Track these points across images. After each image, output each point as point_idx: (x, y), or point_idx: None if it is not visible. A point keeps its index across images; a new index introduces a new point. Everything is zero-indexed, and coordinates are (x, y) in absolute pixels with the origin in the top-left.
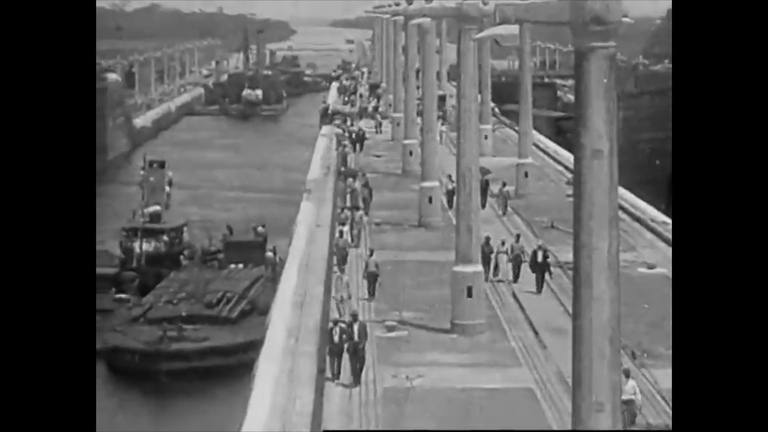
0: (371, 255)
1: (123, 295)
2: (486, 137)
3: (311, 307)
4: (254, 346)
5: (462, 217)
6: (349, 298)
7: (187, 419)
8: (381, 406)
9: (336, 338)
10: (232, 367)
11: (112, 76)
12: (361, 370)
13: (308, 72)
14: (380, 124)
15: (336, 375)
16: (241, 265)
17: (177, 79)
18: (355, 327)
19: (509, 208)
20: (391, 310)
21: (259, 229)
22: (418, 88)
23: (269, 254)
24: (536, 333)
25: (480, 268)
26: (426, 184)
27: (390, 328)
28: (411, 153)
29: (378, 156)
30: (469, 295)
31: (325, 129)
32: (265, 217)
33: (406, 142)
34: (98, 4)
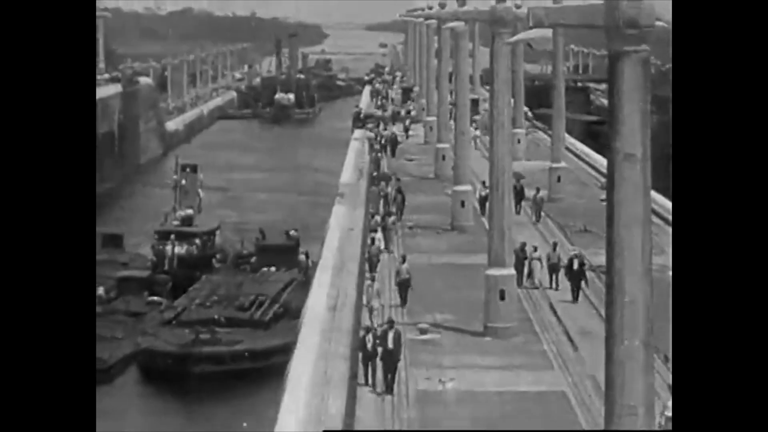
0: (403, 262)
1: (155, 298)
2: (519, 141)
3: (344, 310)
4: (287, 350)
5: (495, 220)
6: (381, 306)
7: (220, 422)
8: (413, 409)
9: (369, 345)
10: (265, 371)
11: (145, 80)
12: (393, 378)
13: (341, 76)
14: (408, 129)
15: (370, 382)
16: (273, 269)
17: (209, 82)
18: (390, 334)
19: (543, 214)
20: (423, 313)
21: (292, 232)
22: (451, 92)
23: (302, 257)
24: (569, 336)
25: (512, 271)
26: (459, 187)
27: (423, 331)
28: (444, 157)
29: (411, 160)
30: (502, 298)
31: (358, 133)
32: (298, 220)
33: (439, 145)
34: (132, 7)
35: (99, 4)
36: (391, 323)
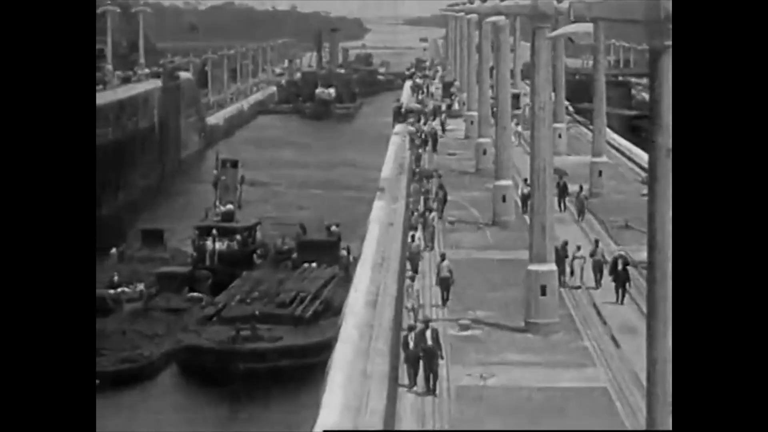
0: (443, 260)
1: (196, 294)
2: (560, 136)
3: (384, 307)
4: (328, 347)
5: (536, 215)
6: (421, 307)
7: (260, 419)
8: (454, 405)
9: (411, 345)
10: (306, 367)
11: (185, 75)
12: (435, 378)
13: (382, 70)
14: (444, 123)
15: (412, 383)
16: (314, 265)
17: (250, 77)
18: (428, 333)
19: (587, 212)
20: (464, 309)
21: (333, 228)
22: (491, 86)
23: (343, 253)
24: (611, 333)
25: (554, 267)
26: (500, 182)
27: (464, 327)
28: (485, 151)
29: (452, 154)
30: (543, 294)
31: (399, 127)
32: (338, 215)
33: (480, 140)
34: (172, 2)
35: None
36: (427, 322)
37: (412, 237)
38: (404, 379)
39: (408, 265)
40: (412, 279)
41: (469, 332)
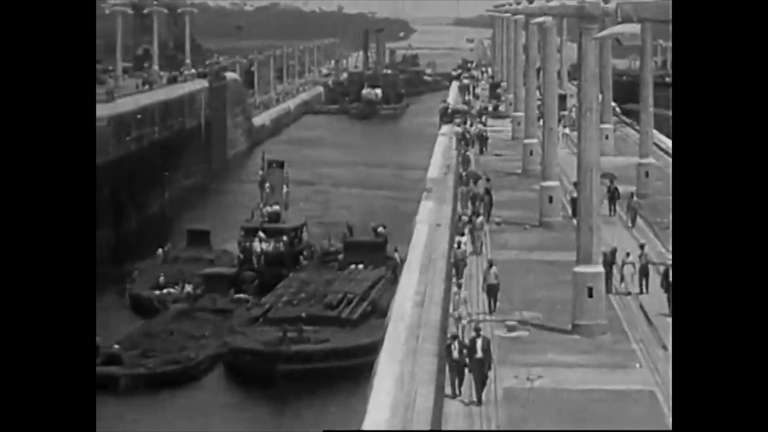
0: (491, 266)
1: (242, 296)
2: (607, 137)
3: (431, 307)
4: (375, 348)
5: (583, 217)
6: (468, 316)
7: (307, 420)
8: (501, 407)
9: (455, 354)
10: (353, 369)
11: (232, 75)
12: (483, 387)
13: (428, 71)
14: (485, 124)
15: (456, 392)
16: (361, 266)
17: (296, 78)
18: (478, 342)
19: (639, 219)
20: (511, 311)
21: (380, 229)
22: (538, 87)
23: (394, 255)
24: (658, 335)
25: (601, 268)
26: (546, 183)
27: (511, 328)
28: (531, 152)
29: (498, 155)
30: (590, 295)
31: (445, 128)
32: (385, 216)
33: (527, 141)
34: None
35: (185, 0)
36: (478, 331)
37: (458, 243)
38: (449, 389)
39: (453, 271)
40: (459, 287)
41: (515, 333)
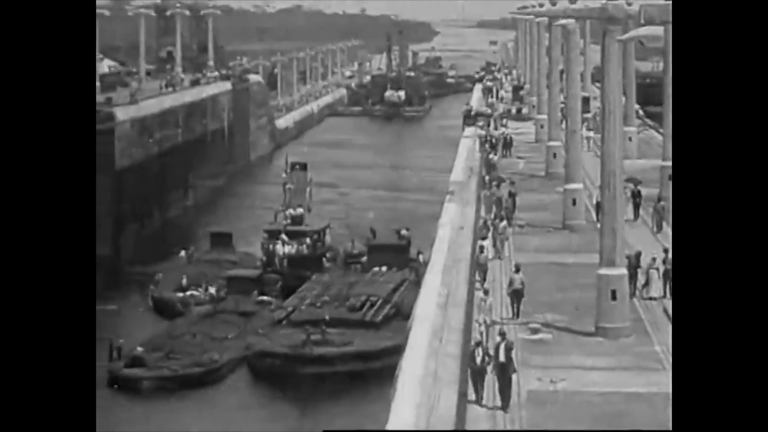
0: (516, 271)
1: (265, 298)
2: (630, 139)
3: (454, 309)
4: (398, 351)
5: (606, 219)
6: (492, 323)
7: (330, 423)
8: (525, 409)
9: (478, 360)
10: (376, 372)
11: (255, 78)
12: (509, 394)
13: (451, 73)
14: (497, 126)
15: (479, 398)
16: (384, 269)
17: (319, 80)
18: (502, 347)
19: (665, 224)
20: (534, 313)
21: (403, 232)
22: (561, 90)
23: (420, 257)
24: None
25: (624, 271)
26: (570, 186)
27: (534, 331)
28: (555, 155)
29: (521, 158)
30: (614, 298)
31: (468, 131)
32: (408, 218)
33: (550, 143)
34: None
35: (208, 2)
36: (502, 335)
37: (481, 248)
38: (472, 395)
39: (477, 276)
40: (486, 293)
41: (539, 336)
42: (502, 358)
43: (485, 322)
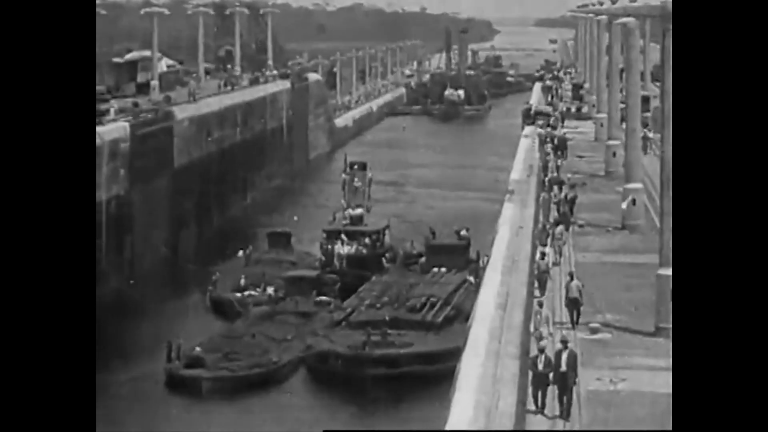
0: (572, 279)
1: (324, 298)
2: None
3: (514, 309)
4: (459, 353)
5: (666, 218)
6: (550, 335)
7: (391, 426)
8: (584, 409)
9: (540, 366)
10: (437, 374)
11: (314, 76)
12: (570, 403)
13: (511, 72)
14: (554, 126)
15: (540, 408)
16: (444, 269)
17: (378, 79)
18: (564, 355)
19: None
20: (594, 313)
21: (463, 232)
22: (621, 89)
23: (474, 258)
24: None
25: None
26: (630, 185)
27: (593, 331)
28: (614, 154)
29: (581, 157)
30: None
31: (528, 130)
32: (467, 217)
33: (610, 143)
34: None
35: (267, 0)
36: (565, 343)
37: (542, 254)
38: (532, 404)
39: (536, 284)
40: (541, 305)
41: (598, 336)
42: (563, 367)
43: (541, 335)
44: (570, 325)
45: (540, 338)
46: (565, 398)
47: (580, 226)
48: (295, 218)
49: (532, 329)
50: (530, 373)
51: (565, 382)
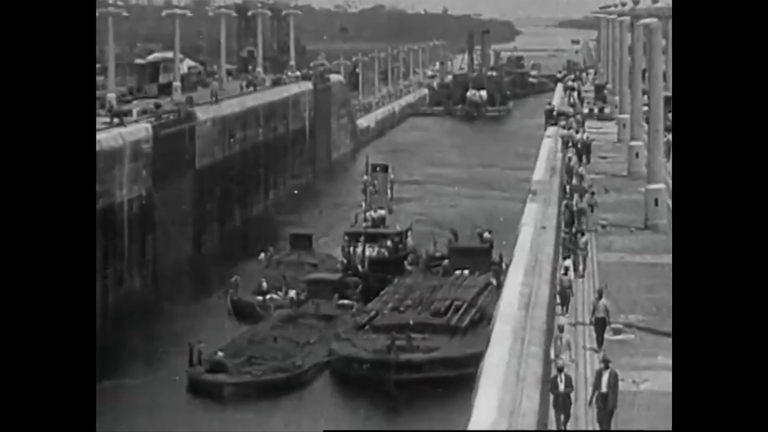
0: (600, 297)
1: (346, 301)
2: None
3: (536, 311)
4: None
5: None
6: (572, 361)
7: (419, 429)
8: None
9: (561, 387)
10: (462, 378)
11: (336, 77)
12: (608, 426)
13: (533, 73)
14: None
15: (562, 427)
16: (467, 272)
17: (401, 80)
18: (605, 376)
19: None
20: (617, 313)
21: (485, 234)
22: (644, 90)
23: (496, 261)
24: None
25: None
26: (652, 186)
27: (616, 331)
28: (637, 154)
29: (603, 158)
30: None
31: (551, 130)
32: (489, 218)
33: (632, 143)
34: (323, 5)
35: (290, 2)
36: (606, 362)
37: (565, 269)
38: (553, 424)
39: (558, 299)
40: (561, 329)
41: (621, 336)
42: (603, 388)
43: (564, 364)
44: (596, 346)
45: (561, 370)
46: (604, 422)
47: (603, 226)
48: (319, 212)
49: (552, 356)
50: (551, 396)
51: (606, 406)
